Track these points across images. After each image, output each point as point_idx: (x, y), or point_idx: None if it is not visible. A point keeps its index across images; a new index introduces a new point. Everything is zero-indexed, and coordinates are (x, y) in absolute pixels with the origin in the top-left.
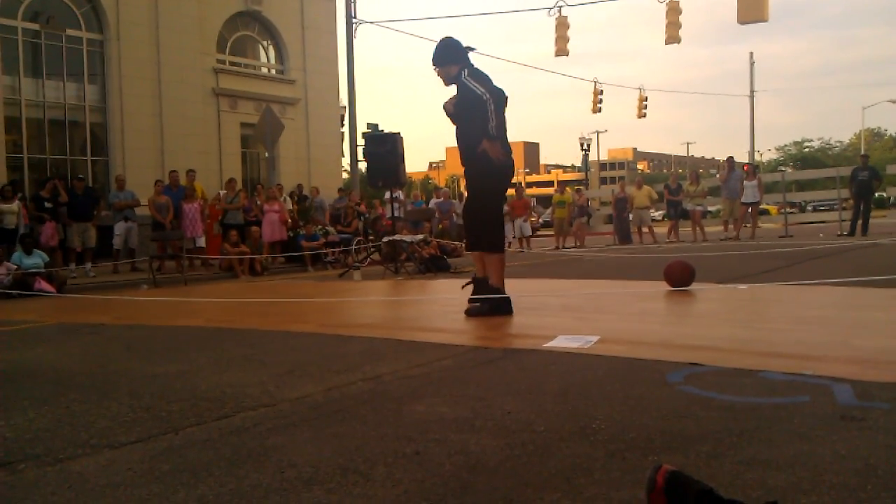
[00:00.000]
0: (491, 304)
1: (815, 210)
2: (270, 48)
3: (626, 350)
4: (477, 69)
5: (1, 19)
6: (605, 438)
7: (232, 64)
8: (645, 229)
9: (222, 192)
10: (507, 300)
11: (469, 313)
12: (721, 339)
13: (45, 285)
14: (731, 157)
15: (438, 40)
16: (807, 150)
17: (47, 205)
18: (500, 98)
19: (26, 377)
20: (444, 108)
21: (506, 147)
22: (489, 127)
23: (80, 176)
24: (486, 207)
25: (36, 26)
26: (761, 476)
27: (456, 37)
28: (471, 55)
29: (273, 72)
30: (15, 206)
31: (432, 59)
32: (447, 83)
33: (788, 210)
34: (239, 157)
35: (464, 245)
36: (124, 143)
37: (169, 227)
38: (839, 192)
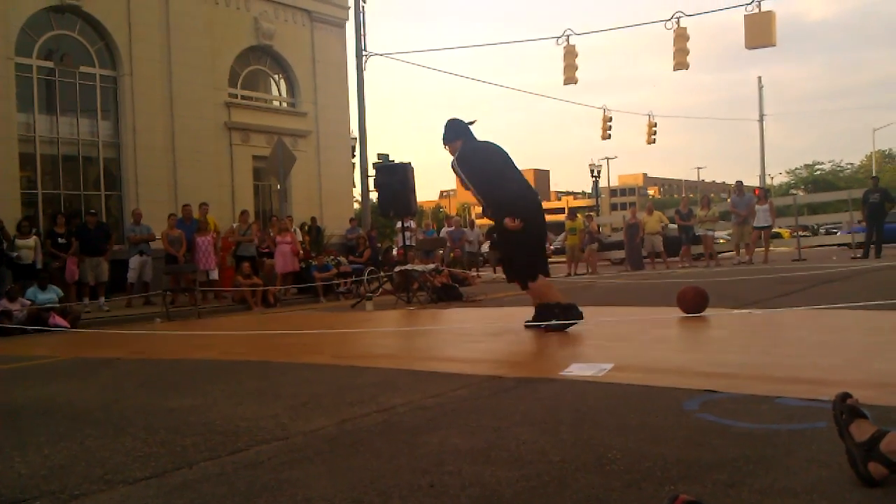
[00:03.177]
0: (563, 313)
1: (827, 233)
2: (282, 81)
3: (640, 378)
4: (476, 143)
5: (17, 58)
6: (621, 468)
7: (244, 98)
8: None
9: (235, 225)
10: (573, 307)
11: (525, 324)
12: (736, 366)
13: (59, 320)
14: (740, 181)
15: (446, 121)
16: (818, 172)
17: (61, 241)
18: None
19: (42, 413)
20: (452, 167)
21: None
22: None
23: (93, 211)
24: (508, 243)
25: (50, 64)
26: None
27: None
28: (472, 127)
29: (284, 105)
30: (32, 241)
31: (442, 139)
32: (454, 154)
33: (801, 233)
34: (251, 190)
35: (476, 274)
36: (137, 178)
37: (182, 260)
38: (851, 214)
